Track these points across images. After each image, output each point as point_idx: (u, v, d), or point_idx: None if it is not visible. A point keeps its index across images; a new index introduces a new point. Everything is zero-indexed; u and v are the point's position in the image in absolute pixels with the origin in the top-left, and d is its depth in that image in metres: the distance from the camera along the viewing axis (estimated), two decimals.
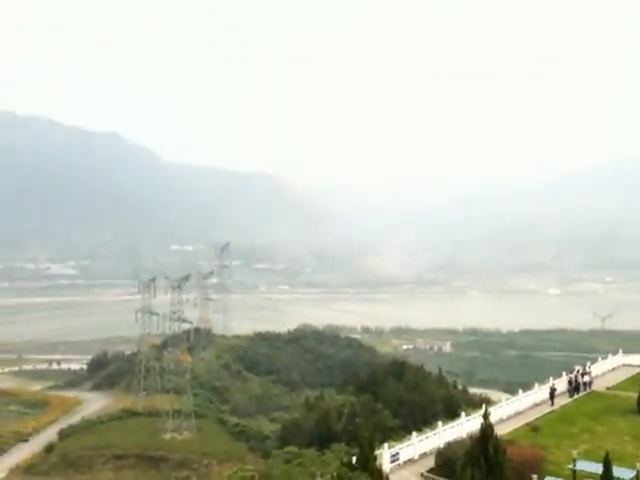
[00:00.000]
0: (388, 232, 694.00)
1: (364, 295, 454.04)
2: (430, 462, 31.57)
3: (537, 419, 38.78)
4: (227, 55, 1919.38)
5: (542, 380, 44.56)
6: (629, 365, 54.22)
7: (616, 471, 23.82)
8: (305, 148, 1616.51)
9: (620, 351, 56.23)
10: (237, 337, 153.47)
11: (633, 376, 49.81)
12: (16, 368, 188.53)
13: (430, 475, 30.32)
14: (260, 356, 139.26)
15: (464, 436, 32.92)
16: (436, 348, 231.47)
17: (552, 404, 41.70)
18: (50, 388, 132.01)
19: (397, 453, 31.87)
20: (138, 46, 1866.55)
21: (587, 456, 28.69)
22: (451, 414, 44.07)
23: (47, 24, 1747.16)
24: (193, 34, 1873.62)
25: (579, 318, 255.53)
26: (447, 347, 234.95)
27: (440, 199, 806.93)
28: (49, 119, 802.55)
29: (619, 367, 53.93)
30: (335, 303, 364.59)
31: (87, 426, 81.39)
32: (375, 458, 25.74)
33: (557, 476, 27.20)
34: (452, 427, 35.53)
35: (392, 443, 33.25)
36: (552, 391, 42.34)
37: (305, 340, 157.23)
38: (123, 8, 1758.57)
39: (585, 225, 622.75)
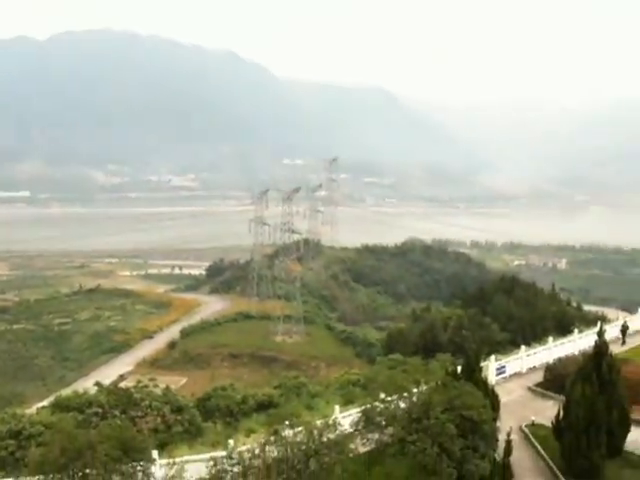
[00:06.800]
0: (515, 148, 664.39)
1: (476, 210, 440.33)
2: (538, 377, 30.89)
3: None
4: None
5: None
6: None
7: None
8: (416, 63, 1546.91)
9: None
10: (344, 249, 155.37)
11: None
12: (143, 272, 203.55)
13: (538, 389, 29.69)
14: (367, 268, 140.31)
15: (576, 353, 31.71)
16: (550, 265, 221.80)
17: None
18: (173, 291, 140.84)
19: (504, 366, 31.40)
20: None
21: None
22: (563, 331, 42.56)
23: None
24: None
25: None
26: (562, 264, 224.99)
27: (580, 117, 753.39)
28: (170, 38, 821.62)
29: None
30: (445, 217, 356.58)
31: (205, 326, 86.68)
32: (481, 369, 25.34)
33: None
34: (563, 343, 34.36)
35: (499, 356, 32.76)
36: None
37: (412, 253, 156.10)
38: None
39: None
